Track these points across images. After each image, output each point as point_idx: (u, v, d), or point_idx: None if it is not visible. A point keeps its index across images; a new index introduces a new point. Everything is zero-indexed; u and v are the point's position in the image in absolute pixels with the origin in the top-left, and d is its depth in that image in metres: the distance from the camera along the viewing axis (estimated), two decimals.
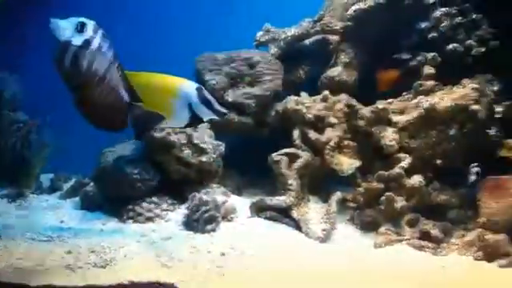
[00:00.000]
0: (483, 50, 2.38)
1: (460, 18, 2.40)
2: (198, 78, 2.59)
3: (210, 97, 1.40)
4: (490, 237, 2.09)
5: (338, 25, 2.56)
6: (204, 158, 2.35)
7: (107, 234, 2.10)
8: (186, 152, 2.35)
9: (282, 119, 2.52)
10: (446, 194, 2.28)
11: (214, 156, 2.38)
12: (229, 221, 2.26)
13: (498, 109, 2.32)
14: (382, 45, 2.52)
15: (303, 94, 2.52)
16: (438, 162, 2.29)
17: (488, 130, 2.29)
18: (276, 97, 2.55)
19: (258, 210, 2.30)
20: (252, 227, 2.23)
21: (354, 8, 2.50)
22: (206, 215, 2.14)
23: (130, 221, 2.21)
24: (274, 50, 2.63)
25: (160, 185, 2.35)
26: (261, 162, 2.53)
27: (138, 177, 2.29)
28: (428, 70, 2.42)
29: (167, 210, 2.28)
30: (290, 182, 2.27)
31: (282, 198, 2.26)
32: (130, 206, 2.23)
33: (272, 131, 2.62)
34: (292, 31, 2.63)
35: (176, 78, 1.40)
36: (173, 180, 2.37)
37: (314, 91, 2.57)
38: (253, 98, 2.50)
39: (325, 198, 2.44)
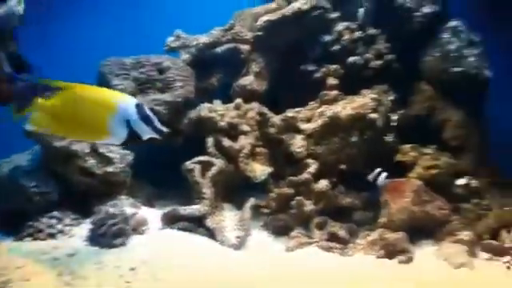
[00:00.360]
0: (380, 62, 2.58)
1: (359, 32, 2.58)
2: (103, 82, 2.45)
3: (150, 114, 1.33)
4: (390, 236, 2.27)
5: (248, 34, 2.61)
6: (110, 169, 2.23)
7: (2, 254, 1.88)
8: (91, 162, 2.20)
9: (196, 127, 2.49)
10: (350, 196, 2.42)
11: (121, 166, 2.26)
12: (140, 234, 2.16)
13: (394, 117, 2.53)
14: (290, 56, 2.62)
15: (216, 102, 2.52)
16: (342, 166, 2.43)
17: (385, 137, 2.49)
18: (188, 104, 2.50)
19: (171, 220, 2.23)
20: (164, 239, 2.16)
21: (263, 19, 2.56)
22: (114, 228, 2.02)
23: (29, 238, 2.02)
24: (185, 56, 2.59)
25: (62, 198, 2.17)
26: (174, 171, 2.47)
27: (36, 189, 2.10)
28: (331, 81, 2.56)
29: (71, 224, 2.12)
30: (204, 190, 2.24)
31: (196, 206, 2.22)
32: (29, 222, 2.03)
33: (186, 139, 2.57)
34: (204, 39, 2.61)
35: (114, 92, 1.32)
36: (76, 192, 2.21)
37: (226, 99, 2.57)
38: (163, 104, 2.43)
39: (239, 206, 2.45)
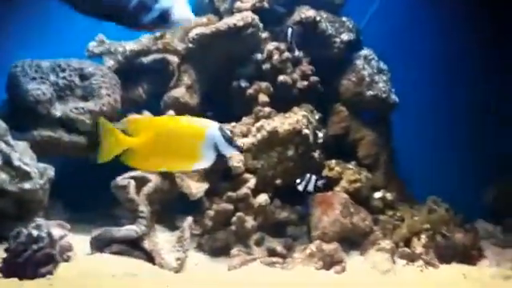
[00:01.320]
0: (306, 83, 2.70)
1: (288, 53, 2.68)
2: (15, 87, 2.10)
3: (229, 133, 1.39)
4: (325, 247, 2.34)
5: (179, 45, 2.50)
6: (27, 185, 1.88)
7: None
8: (2, 177, 1.83)
9: None
10: (286, 211, 2.44)
11: (41, 182, 1.93)
12: (65, 260, 1.84)
13: (320, 134, 2.65)
14: (222, 70, 2.58)
15: (146, 113, 2.33)
16: (278, 181, 2.44)
17: (313, 153, 2.59)
18: (116, 114, 2.28)
19: (102, 244, 1.96)
20: (97, 266, 1.88)
21: (195, 31, 2.49)
22: (40, 254, 1.69)
23: None
24: (110, 62, 2.36)
25: None
26: (91, 190, 2.20)
27: None
28: (263, 98, 2.59)
29: None
30: (140, 208, 2.02)
31: (132, 227, 1.99)
32: None
33: None
34: (132, 45, 2.42)
35: (198, 119, 1.37)
36: None
37: (153, 110, 2.41)
38: (87, 113, 2.17)
39: (169, 226, 2.28)
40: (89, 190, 2.23)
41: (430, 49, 3.40)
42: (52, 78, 2.16)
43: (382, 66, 2.96)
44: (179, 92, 2.45)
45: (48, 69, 2.16)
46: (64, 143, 2.15)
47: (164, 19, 1.11)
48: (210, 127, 1.34)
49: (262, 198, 2.32)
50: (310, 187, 2.28)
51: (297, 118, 2.47)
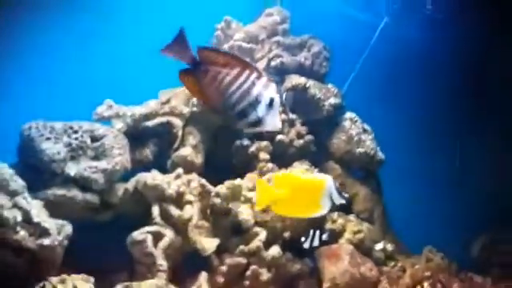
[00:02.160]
0: (302, 142, 2.87)
1: (283, 115, 2.88)
2: (29, 147, 2.11)
3: (338, 186, 1.65)
4: None
5: (184, 109, 2.64)
6: (46, 241, 1.83)
7: None
8: (21, 234, 1.78)
9: (134, 197, 2.27)
10: (298, 263, 2.45)
11: (60, 239, 1.88)
12: None
13: None
14: (225, 130, 2.72)
15: (154, 172, 2.37)
16: (287, 234, 2.48)
17: None
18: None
19: None
20: None
21: None
22: None
23: None
24: (120, 125, 2.43)
25: None
26: (97, 250, 2.16)
27: None
28: (263, 155, 2.72)
29: None
30: (159, 262, 1.99)
31: (153, 281, 1.94)
32: None
33: (116, 214, 2.31)
34: (141, 110, 2.53)
35: (318, 174, 1.77)
36: None
37: (161, 170, 2.46)
38: (100, 172, 2.19)
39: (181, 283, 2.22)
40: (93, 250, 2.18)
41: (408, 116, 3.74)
42: (65, 139, 2.20)
43: (366, 126, 3.21)
44: (186, 151, 2.53)
45: (61, 130, 2.20)
46: (78, 203, 2.13)
47: (257, 125, 1.29)
48: (328, 180, 1.62)
49: (275, 251, 2.33)
50: (316, 242, 2.34)
51: (301, 170, 2.59)
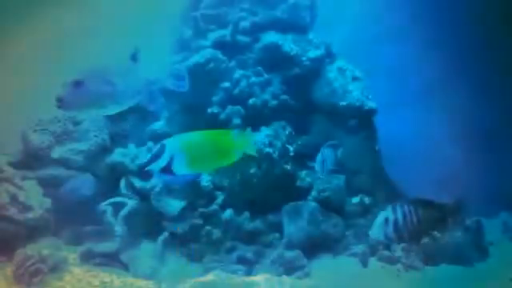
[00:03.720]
0: (276, 102, 2.93)
1: (255, 78, 2.95)
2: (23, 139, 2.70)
3: None
4: (288, 254, 2.53)
5: None
6: (30, 215, 2.43)
7: None
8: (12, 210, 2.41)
9: (110, 171, 2.73)
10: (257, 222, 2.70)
11: (41, 212, 2.47)
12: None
13: (290, 148, 2.86)
14: (197, 101, 2.93)
15: (130, 146, 2.78)
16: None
17: (285, 165, 2.80)
18: (104, 150, 2.76)
19: (86, 257, 2.44)
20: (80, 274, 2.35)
21: None
22: (32, 268, 2.21)
23: None
24: None
25: None
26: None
27: None
28: (235, 120, 2.88)
29: None
30: (116, 228, 2.46)
31: (108, 244, 2.44)
32: None
33: (102, 183, 2.81)
34: None
35: None
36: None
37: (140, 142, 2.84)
38: (79, 153, 2.68)
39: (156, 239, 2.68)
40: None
41: None
42: (51, 127, 2.71)
43: (357, 74, 3.06)
44: (159, 125, 2.87)
45: (47, 121, 2.72)
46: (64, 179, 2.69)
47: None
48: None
49: (228, 213, 2.62)
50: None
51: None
